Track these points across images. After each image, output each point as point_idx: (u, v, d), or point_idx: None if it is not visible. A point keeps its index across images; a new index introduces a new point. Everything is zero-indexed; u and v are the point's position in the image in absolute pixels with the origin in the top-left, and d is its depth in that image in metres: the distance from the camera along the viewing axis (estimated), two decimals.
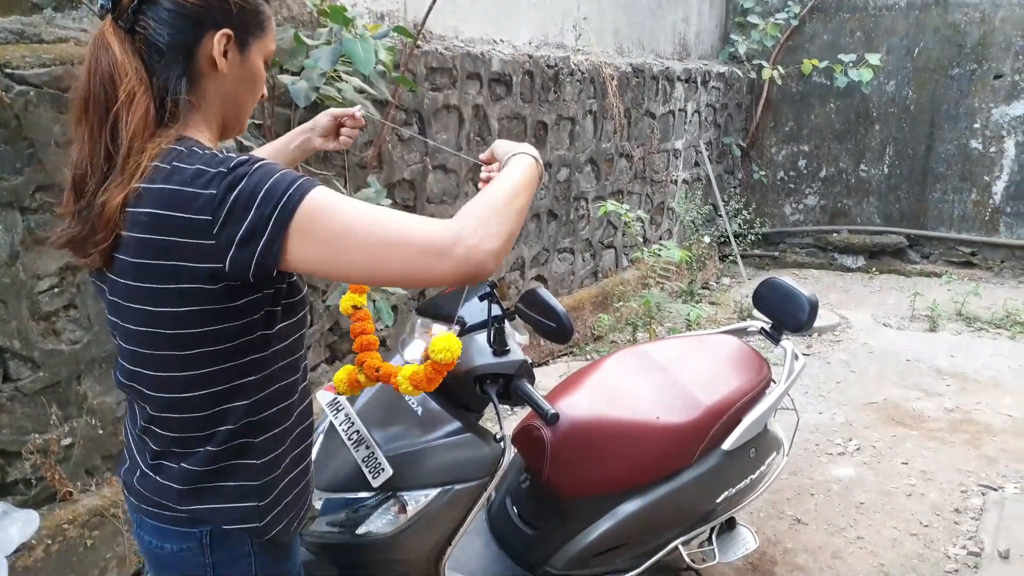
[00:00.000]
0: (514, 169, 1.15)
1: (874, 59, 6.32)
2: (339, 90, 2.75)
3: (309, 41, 2.73)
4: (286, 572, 1.22)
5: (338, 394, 1.62)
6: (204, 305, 1.01)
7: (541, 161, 1.20)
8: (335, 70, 2.74)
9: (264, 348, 1.09)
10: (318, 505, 1.64)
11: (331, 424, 1.63)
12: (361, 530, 1.56)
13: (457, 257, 0.97)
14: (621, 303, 4.90)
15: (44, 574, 2.22)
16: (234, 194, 0.95)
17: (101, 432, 2.46)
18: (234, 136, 1.21)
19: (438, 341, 1.41)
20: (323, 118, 1.51)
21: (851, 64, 6.42)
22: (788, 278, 2.52)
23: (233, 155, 1.01)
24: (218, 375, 1.07)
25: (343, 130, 1.53)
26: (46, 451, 2.29)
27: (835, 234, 7.12)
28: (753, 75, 7.15)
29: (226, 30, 1.05)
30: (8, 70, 2.11)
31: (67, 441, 2.36)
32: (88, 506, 2.37)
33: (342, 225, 0.96)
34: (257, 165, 0.98)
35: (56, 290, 2.30)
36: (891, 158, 6.93)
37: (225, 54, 1.06)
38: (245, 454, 1.12)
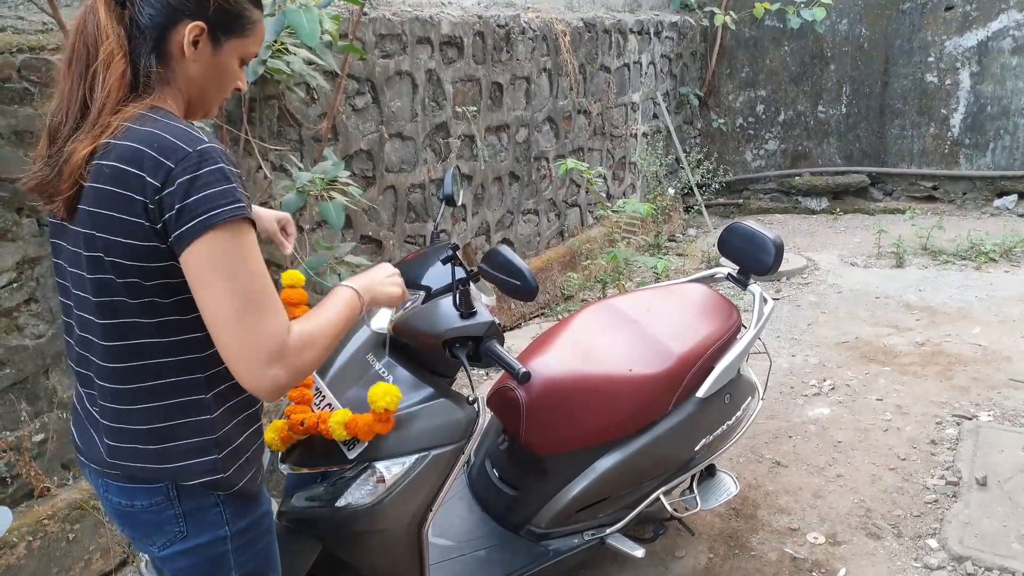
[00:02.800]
0: (339, 309, 1.24)
1: None
2: (287, 63, 2.68)
3: None
4: (258, 517, 1.28)
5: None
6: (150, 262, 1.09)
7: (366, 299, 1.31)
8: (282, 43, 2.68)
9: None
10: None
11: None
12: (341, 502, 1.56)
13: (272, 375, 1.08)
14: (589, 261, 4.91)
15: (27, 571, 2.21)
16: (188, 175, 1.05)
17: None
18: (199, 118, 1.28)
19: (376, 389, 1.48)
20: (271, 222, 1.66)
21: (803, 4, 6.41)
22: (752, 222, 2.53)
23: (203, 139, 1.09)
24: (165, 326, 1.14)
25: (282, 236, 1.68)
26: (19, 448, 2.26)
27: (797, 177, 7.18)
28: (706, 23, 7.11)
29: (199, 23, 1.13)
30: None
31: (39, 437, 2.34)
32: (67, 500, 2.35)
33: (235, 271, 1.06)
34: (222, 164, 1.08)
35: (15, 285, 2.26)
36: (848, 97, 6.97)
37: (196, 44, 1.14)
38: (197, 409, 1.17)
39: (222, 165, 1.07)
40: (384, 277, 1.39)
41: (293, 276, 1.60)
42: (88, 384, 1.21)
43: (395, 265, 1.81)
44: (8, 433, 2.25)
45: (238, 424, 1.23)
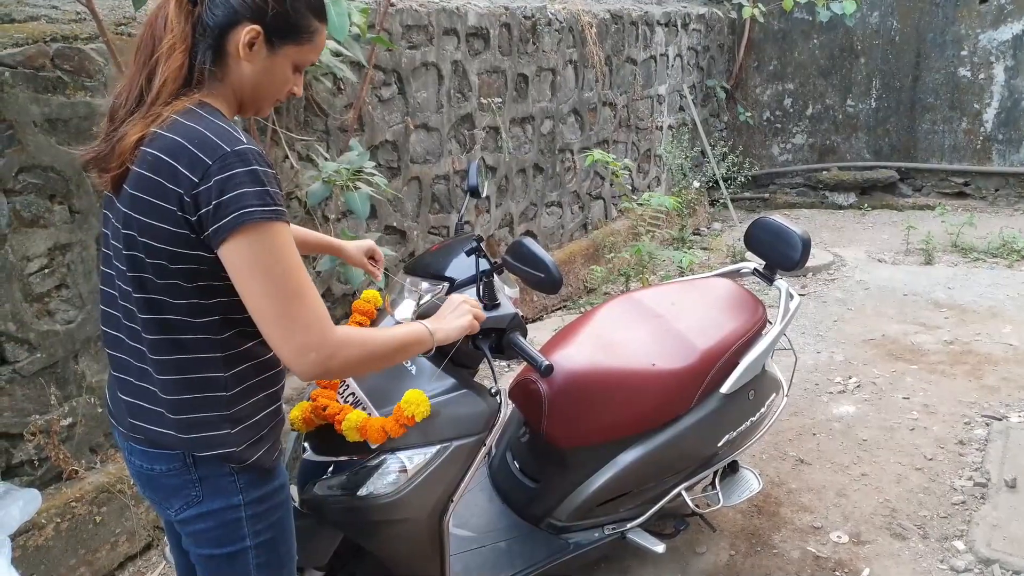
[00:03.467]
0: (402, 339, 1.32)
1: None
2: None
3: None
4: (273, 489, 1.32)
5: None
6: (178, 248, 1.15)
7: (437, 336, 1.38)
8: None
9: (226, 294, 1.19)
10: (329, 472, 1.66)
11: None
12: (362, 492, 1.56)
13: (309, 362, 1.15)
14: (612, 254, 4.89)
15: (55, 552, 2.25)
16: (224, 173, 1.10)
17: (101, 410, 2.46)
18: (250, 116, 1.34)
19: (412, 396, 1.51)
20: (358, 254, 1.81)
21: None
22: (779, 217, 2.50)
23: (243, 139, 1.14)
24: (187, 308, 1.19)
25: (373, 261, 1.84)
26: (48, 431, 2.30)
27: (825, 172, 7.09)
28: (734, 15, 7.03)
29: (256, 26, 1.18)
30: None
31: (68, 421, 2.37)
32: (94, 483, 2.39)
33: (273, 270, 1.12)
34: (257, 167, 1.13)
35: (47, 271, 2.29)
36: (878, 91, 6.86)
37: (251, 46, 1.19)
38: (215, 386, 1.23)
39: (256, 167, 1.12)
40: (453, 309, 1.46)
41: (371, 294, 1.76)
42: (121, 349, 1.27)
43: (421, 257, 1.82)
44: (38, 417, 2.28)
45: (255, 403, 1.28)
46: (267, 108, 1.31)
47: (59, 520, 2.27)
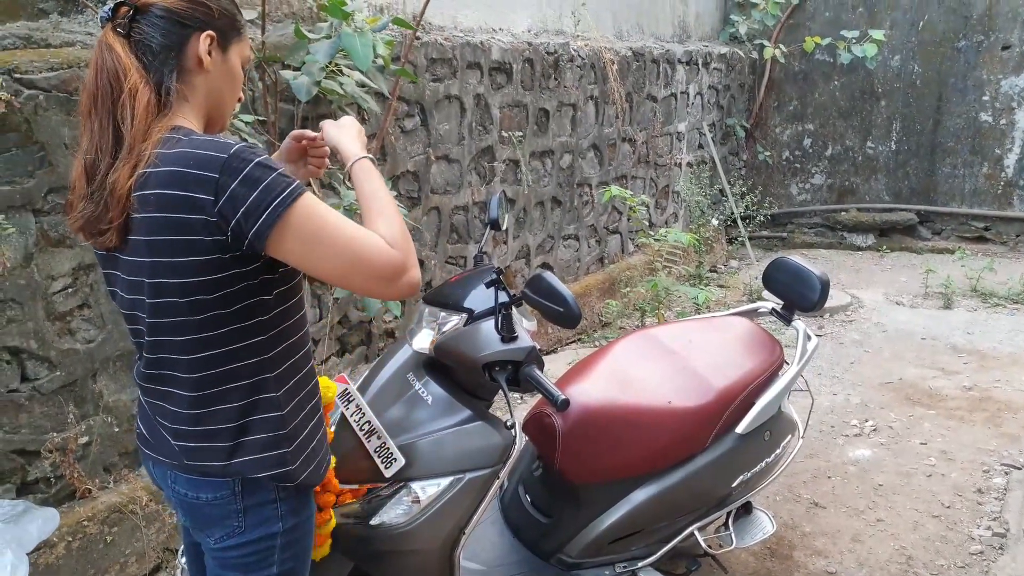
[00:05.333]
0: (379, 184, 1.29)
1: (878, 34, 6.26)
2: (340, 84, 2.74)
3: (310, 35, 2.72)
4: (306, 517, 1.34)
5: (348, 385, 1.63)
6: (211, 275, 1.14)
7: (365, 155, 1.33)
8: (336, 64, 2.74)
9: (266, 311, 1.22)
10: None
11: (343, 415, 1.64)
12: (375, 521, 1.56)
13: (402, 284, 1.19)
14: (628, 288, 4.89)
15: (65, 571, 2.25)
16: (234, 183, 1.09)
17: (117, 429, 2.48)
18: (217, 132, 1.32)
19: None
20: (288, 142, 1.52)
21: (855, 40, 6.36)
22: (798, 257, 2.50)
23: (230, 141, 1.13)
24: (231, 335, 1.19)
25: (309, 158, 1.53)
26: (64, 449, 2.31)
27: (843, 213, 7.08)
28: (755, 55, 7.09)
29: (209, 31, 1.20)
30: (17, 75, 2.12)
31: (84, 439, 2.39)
32: (107, 503, 2.39)
33: (323, 234, 1.14)
34: (259, 158, 1.11)
35: (70, 290, 2.32)
36: (898, 134, 6.87)
37: (209, 53, 1.20)
38: (269, 407, 1.24)
39: (257, 159, 1.11)
40: (358, 133, 1.38)
41: (324, 382, 1.53)
42: (160, 393, 1.26)
43: (440, 288, 1.83)
44: (55, 434, 2.30)
45: (304, 417, 1.30)
46: (229, 116, 1.32)
47: (70, 539, 2.27)
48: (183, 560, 1.54)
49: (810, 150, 7.22)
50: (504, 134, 4.13)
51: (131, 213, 1.13)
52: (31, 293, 2.21)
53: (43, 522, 1.46)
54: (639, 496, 2.11)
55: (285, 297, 1.26)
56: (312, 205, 1.14)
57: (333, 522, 1.55)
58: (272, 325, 1.23)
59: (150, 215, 1.12)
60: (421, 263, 3.70)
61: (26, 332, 2.21)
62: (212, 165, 1.09)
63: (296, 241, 1.12)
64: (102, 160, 1.15)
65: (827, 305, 5.07)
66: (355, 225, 1.17)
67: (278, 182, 1.11)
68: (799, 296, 2.38)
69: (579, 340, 4.80)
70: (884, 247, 6.89)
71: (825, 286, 2.32)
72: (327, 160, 1.54)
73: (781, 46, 6.71)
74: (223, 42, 1.23)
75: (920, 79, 6.68)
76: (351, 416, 1.61)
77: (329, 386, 1.55)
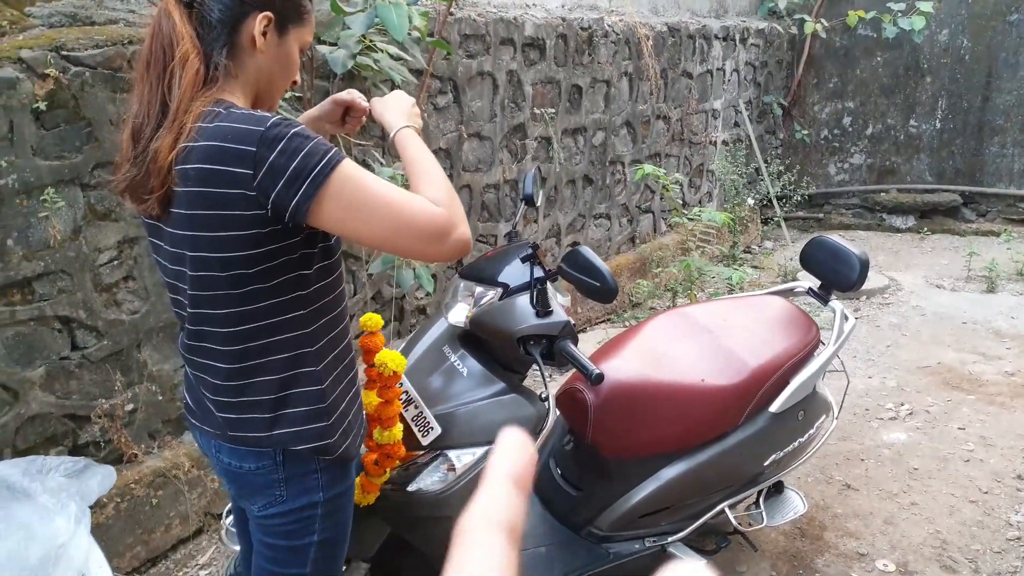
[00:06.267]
0: (421, 150, 1.29)
1: (926, 6, 6.05)
2: (375, 60, 2.76)
3: (347, 8, 2.74)
4: (346, 488, 1.37)
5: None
6: (250, 249, 1.15)
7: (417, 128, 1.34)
8: (370, 40, 2.75)
9: (306, 286, 1.23)
10: None
11: None
12: (412, 487, 1.60)
13: (451, 243, 1.17)
14: (660, 269, 4.86)
15: (115, 530, 2.34)
16: (272, 155, 1.09)
17: (161, 398, 2.55)
18: (265, 110, 1.30)
19: (381, 355, 1.52)
20: (326, 104, 1.53)
21: (900, 13, 6.19)
22: (836, 236, 2.47)
23: (267, 114, 1.13)
24: (271, 308, 1.21)
25: (348, 117, 1.53)
26: (112, 415, 2.40)
27: (883, 194, 6.93)
28: (794, 30, 6.94)
29: (267, 13, 1.19)
30: (64, 52, 2.17)
31: (130, 406, 2.47)
32: (152, 467, 2.48)
33: (365, 199, 1.13)
34: (295, 129, 1.11)
35: (115, 262, 2.39)
36: (944, 112, 6.69)
37: (264, 34, 1.20)
38: (308, 381, 1.26)
39: (294, 130, 1.11)
40: (411, 102, 1.40)
41: (372, 320, 1.60)
42: (202, 365, 1.28)
43: (475, 262, 1.85)
44: (103, 401, 2.38)
45: (342, 391, 1.32)
46: (279, 98, 1.31)
47: (119, 500, 2.36)
48: (228, 520, 1.59)
49: (850, 128, 7.07)
50: (536, 111, 4.12)
51: (172, 187, 1.14)
52: (80, 265, 2.28)
53: (102, 478, 1.53)
54: (670, 472, 2.12)
55: (325, 272, 1.27)
56: (352, 170, 1.14)
57: (387, 475, 1.60)
58: (312, 300, 1.24)
59: (191, 189, 1.12)
60: None
61: (75, 302, 2.28)
62: (250, 139, 1.09)
63: (338, 208, 1.12)
64: (148, 125, 1.16)
65: (864, 287, 4.99)
66: (398, 188, 1.17)
67: (316, 150, 1.11)
68: (837, 275, 2.35)
69: (608, 320, 4.79)
70: (925, 229, 6.74)
71: (865, 265, 2.29)
72: (363, 120, 1.52)
73: (822, 20, 6.55)
74: (281, 25, 1.22)
75: (969, 54, 6.48)
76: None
77: (396, 359, 1.56)
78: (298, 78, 1.32)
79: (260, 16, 1.19)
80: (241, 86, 1.22)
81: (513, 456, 0.34)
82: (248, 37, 1.19)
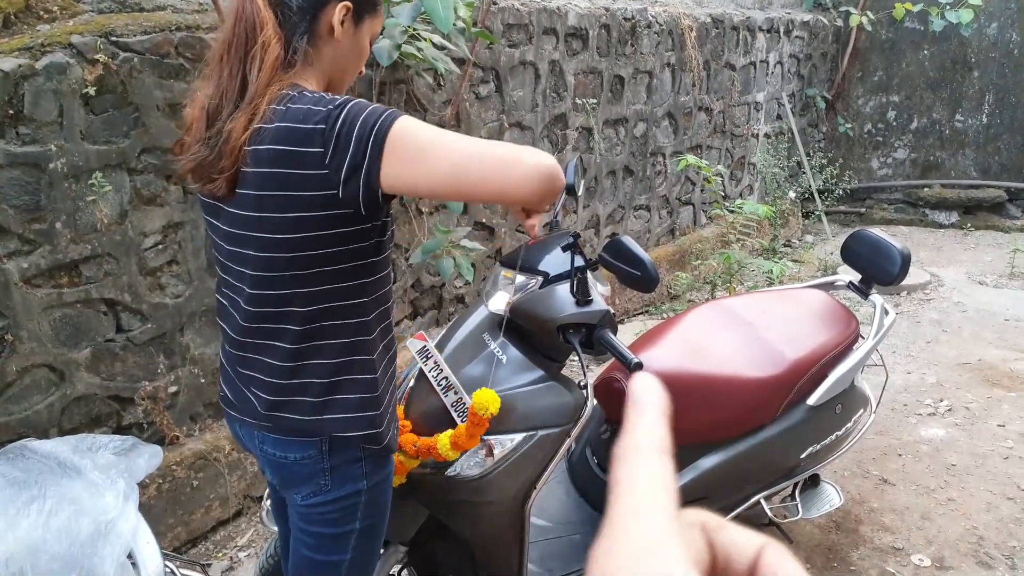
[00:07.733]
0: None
1: None
2: (419, 49, 2.77)
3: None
4: (387, 474, 1.38)
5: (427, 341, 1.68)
6: (319, 231, 1.15)
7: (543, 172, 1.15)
8: (414, 30, 2.77)
9: (369, 274, 1.23)
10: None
11: (421, 370, 1.69)
12: (451, 471, 1.61)
13: (530, 164, 1.11)
14: (699, 261, 4.83)
15: (156, 510, 2.40)
16: (337, 128, 1.09)
17: (203, 381, 2.61)
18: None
19: (479, 395, 1.53)
20: None
21: (948, 6, 6.03)
22: (878, 230, 2.44)
23: (337, 96, 1.14)
24: (333, 292, 1.21)
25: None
26: (155, 398, 2.45)
27: (926, 189, 6.79)
28: (839, 23, 6.81)
29: (347, 3, 1.21)
30: (113, 38, 2.22)
31: (173, 389, 2.52)
32: (193, 450, 2.53)
33: (427, 141, 1.10)
34: (353, 102, 1.11)
35: (160, 247, 2.44)
36: (991, 106, 6.52)
37: (342, 23, 1.22)
38: (363, 369, 1.26)
39: (355, 100, 1.12)
40: None
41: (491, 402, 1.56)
42: (254, 347, 1.27)
43: (516, 250, 1.85)
44: (147, 383, 2.44)
45: (388, 380, 1.33)
46: (348, 86, 1.32)
47: (160, 481, 2.42)
48: (268, 503, 1.62)
49: (894, 123, 6.93)
50: (578, 101, 4.11)
51: (242, 167, 1.14)
52: (125, 249, 2.33)
53: (149, 456, 1.57)
54: (706, 463, 2.11)
55: (384, 263, 1.28)
56: (410, 121, 1.11)
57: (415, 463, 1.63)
58: (373, 288, 1.24)
59: (262, 170, 1.13)
60: (491, 230, 3.74)
61: (121, 285, 2.34)
62: (318, 118, 1.10)
63: (404, 162, 1.08)
64: (225, 107, 1.17)
65: (904, 283, 4.91)
66: (453, 134, 1.14)
67: (376, 110, 1.10)
68: (878, 269, 2.33)
69: (647, 312, 4.77)
70: (968, 225, 6.58)
71: (906, 260, 2.26)
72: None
73: (868, 13, 6.42)
74: (358, 15, 1.24)
75: (1019, 48, 6.31)
76: (429, 372, 1.65)
77: (494, 401, 1.56)
78: (363, 68, 1.33)
79: (340, 5, 1.21)
80: (316, 72, 1.24)
81: (654, 392, 0.37)
82: (327, 25, 1.21)
